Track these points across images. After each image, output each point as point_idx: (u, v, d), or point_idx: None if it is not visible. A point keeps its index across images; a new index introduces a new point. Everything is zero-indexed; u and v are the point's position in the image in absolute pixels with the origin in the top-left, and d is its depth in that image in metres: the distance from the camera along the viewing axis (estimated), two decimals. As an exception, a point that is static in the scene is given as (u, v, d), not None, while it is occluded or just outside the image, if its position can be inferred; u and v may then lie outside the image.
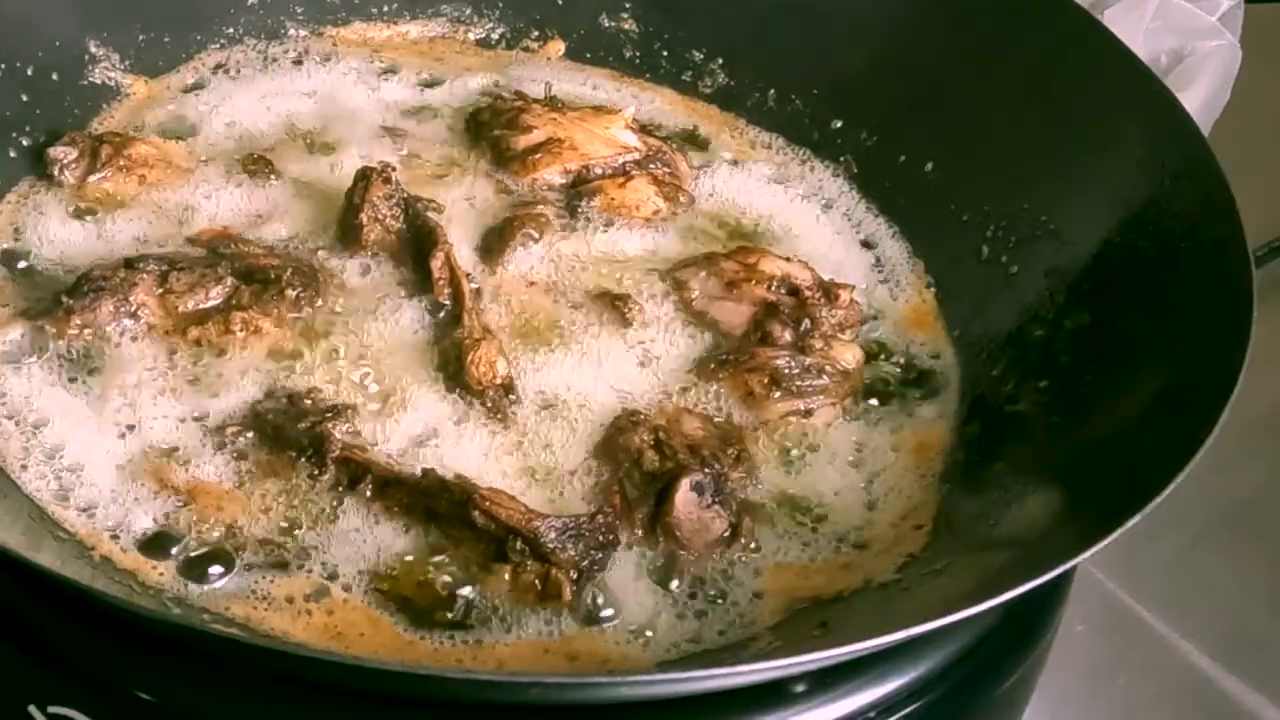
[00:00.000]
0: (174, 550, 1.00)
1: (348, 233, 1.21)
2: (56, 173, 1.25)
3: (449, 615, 0.98)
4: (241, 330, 1.12)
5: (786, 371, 1.14)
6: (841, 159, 1.39)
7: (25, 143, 1.27)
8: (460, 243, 1.22)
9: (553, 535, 0.98)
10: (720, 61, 1.47)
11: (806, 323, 1.17)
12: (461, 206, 1.27)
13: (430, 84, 1.43)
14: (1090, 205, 1.20)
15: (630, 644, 0.98)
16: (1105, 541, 0.88)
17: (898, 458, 1.13)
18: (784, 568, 1.04)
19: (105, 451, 1.05)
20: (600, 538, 1.00)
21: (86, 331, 1.11)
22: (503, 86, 1.42)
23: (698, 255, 1.25)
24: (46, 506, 1.02)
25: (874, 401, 1.18)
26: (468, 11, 1.52)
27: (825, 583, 1.03)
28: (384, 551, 1.01)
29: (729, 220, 1.33)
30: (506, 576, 0.98)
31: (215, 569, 0.99)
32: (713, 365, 1.16)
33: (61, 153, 1.25)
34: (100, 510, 1.02)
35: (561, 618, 0.98)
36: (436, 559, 1.00)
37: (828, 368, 1.15)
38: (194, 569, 0.99)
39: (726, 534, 1.04)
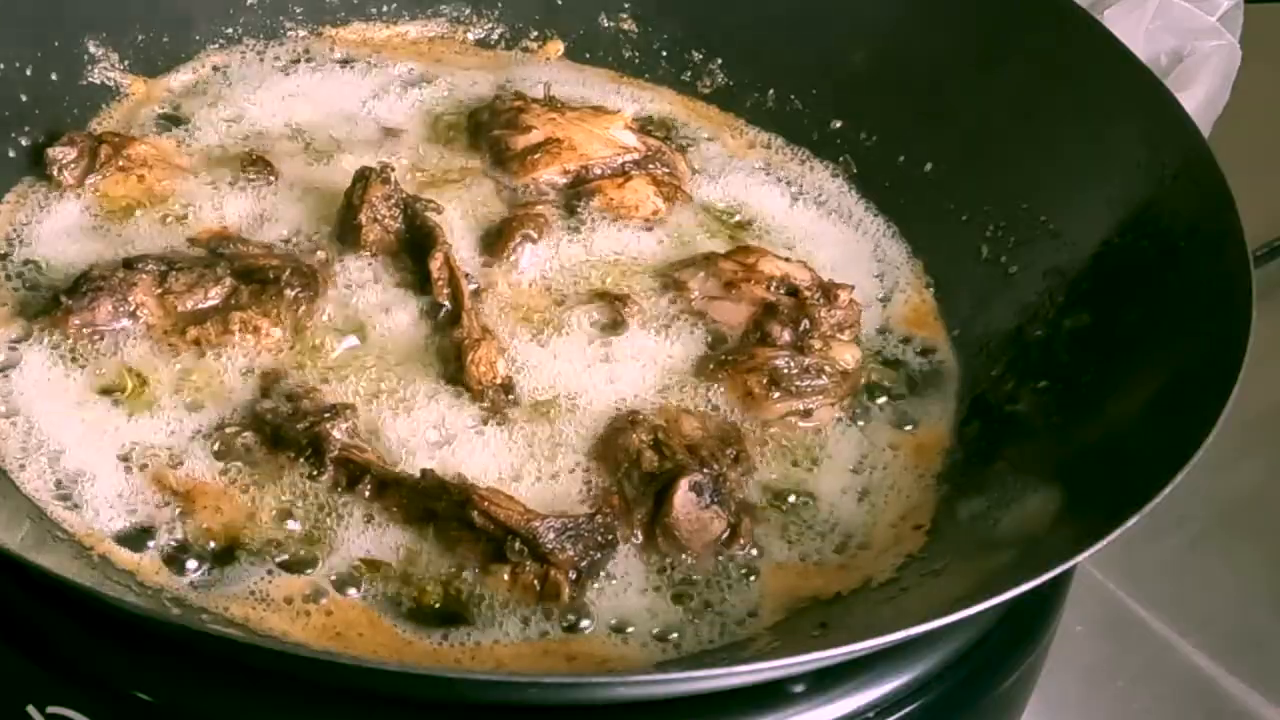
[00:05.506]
0: (173, 550, 1.00)
1: (347, 233, 1.21)
2: (55, 172, 1.24)
3: (448, 615, 0.98)
4: (240, 330, 1.12)
5: (786, 371, 1.14)
6: (841, 159, 1.39)
7: (24, 142, 1.27)
8: (459, 243, 1.22)
9: (551, 535, 0.98)
10: (719, 61, 1.46)
11: (805, 323, 1.17)
12: (460, 206, 1.27)
13: (429, 84, 1.43)
14: (1090, 205, 1.20)
15: (629, 644, 0.97)
16: (1105, 542, 0.88)
17: (897, 457, 1.13)
18: (783, 568, 1.04)
19: (104, 452, 1.05)
20: (599, 538, 1.00)
21: (85, 331, 1.11)
22: (502, 87, 1.42)
23: (696, 255, 1.25)
24: (45, 506, 1.02)
25: (873, 401, 1.18)
26: (467, 12, 1.51)
27: (824, 583, 1.03)
28: (382, 552, 1.00)
29: (728, 220, 1.33)
30: (505, 577, 0.98)
31: (214, 569, 0.99)
32: (712, 365, 1.16)
33: (60, 153, 1.25)
34: (99, 510, 1.02)
35: (560, 618, 0.98)
36: (435, 559, 1.00)
37: (827, 368, 1.15)
38: (193, 569, 0.99)
39: (725, 534, 1.04)
